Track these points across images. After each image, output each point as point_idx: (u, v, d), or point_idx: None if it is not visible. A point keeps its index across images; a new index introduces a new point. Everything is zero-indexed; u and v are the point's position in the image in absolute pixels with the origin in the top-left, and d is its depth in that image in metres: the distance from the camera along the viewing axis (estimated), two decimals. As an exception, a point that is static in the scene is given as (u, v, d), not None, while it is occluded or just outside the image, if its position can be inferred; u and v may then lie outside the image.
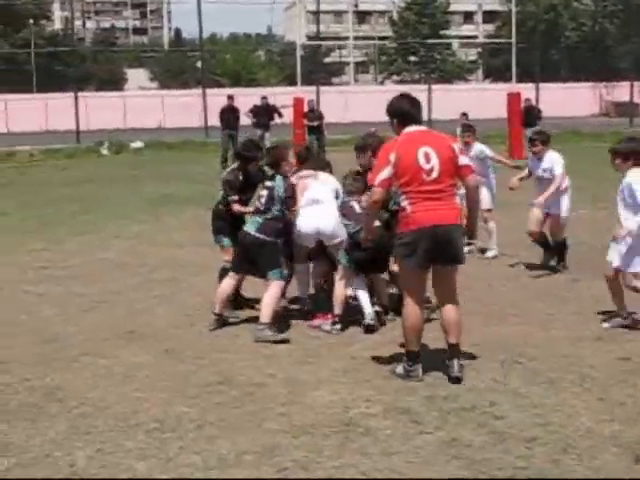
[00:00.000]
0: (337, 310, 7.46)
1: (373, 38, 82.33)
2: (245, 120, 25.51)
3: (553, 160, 9.81)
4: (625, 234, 7.07)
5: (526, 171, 10.06)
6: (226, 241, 8.13)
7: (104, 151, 30.31)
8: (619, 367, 6.17)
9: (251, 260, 7.48)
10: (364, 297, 7.50)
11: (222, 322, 7.58)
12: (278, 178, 7.60)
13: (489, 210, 10.60)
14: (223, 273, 7.99)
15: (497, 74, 68.55)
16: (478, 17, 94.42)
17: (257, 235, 7.42)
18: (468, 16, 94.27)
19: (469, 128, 11.17)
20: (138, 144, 31.53)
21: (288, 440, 5.00)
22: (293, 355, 6.69)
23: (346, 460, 4.71)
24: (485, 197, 9.96)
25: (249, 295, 8.23)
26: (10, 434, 5.20)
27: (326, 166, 8.41)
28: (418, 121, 6.12)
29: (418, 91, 46.82)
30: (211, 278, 8.88)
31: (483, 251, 10.60)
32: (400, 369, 6.06)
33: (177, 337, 7.30)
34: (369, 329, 7.34)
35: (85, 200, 16.99)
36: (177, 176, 21.07)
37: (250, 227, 7.54)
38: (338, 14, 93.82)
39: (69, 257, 11.14)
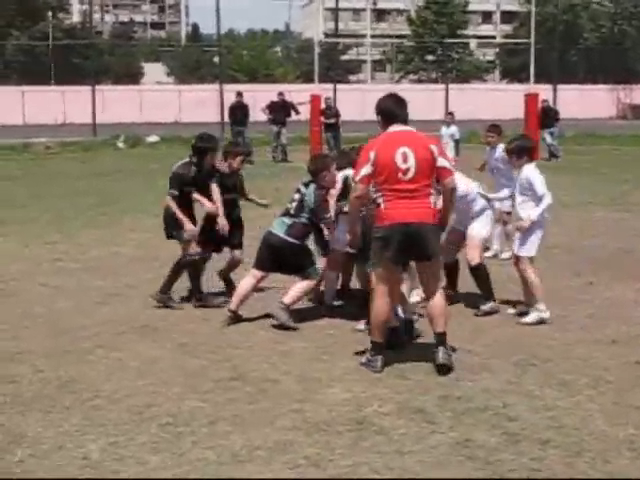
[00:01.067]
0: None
1: (391, 36, 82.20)
2: (260, 116, 25.53)
3: (503, 158, 9.36)
4: (528, 225, 7.43)
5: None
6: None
7: (120, 145, 30.41)
8: (634, 371, 6.14)
9: (277, 260, 7.54)
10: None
11: (236, 319, 7.58)
12: (311, 187, 7.55)
13: (509, 213, 10.22)
14: (186, 265, 8.17)
15: (514, 75, 68.36)
16: (496, 17, 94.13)
17: (285, 237, 7.48)
18: (486, 16, 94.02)
19: (494, 128, 10.65)
20: (154, 138, 31.61)
21: (301, 437, 5.00)
22: (307, 352, 6.68)
23: (359, 458, 4.71)
24: (507, 200, 9.64)
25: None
26: (24, 425, 5.22)
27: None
28: (403, 121, 6.29)
29: (435, 90, 46.96)
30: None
31: (495, 255, 10.47)
32: (364, 359, 6.31)
33: (191, 332, 7.31)
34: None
35: (101, 193, 17.04)
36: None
37: (278, 228, 7.55)
38: (356, 12, 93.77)
39: (84, 250, 11.18)
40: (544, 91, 30.16)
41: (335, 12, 45.34)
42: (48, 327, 7.46)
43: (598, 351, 6.64)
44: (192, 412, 5.40)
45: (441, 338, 6.24)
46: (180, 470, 4.58)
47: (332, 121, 25.06)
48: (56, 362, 6.44)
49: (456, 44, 68.25)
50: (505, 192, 8.73)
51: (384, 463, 4.64)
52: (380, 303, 6.23)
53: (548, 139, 25.35)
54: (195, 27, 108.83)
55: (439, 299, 6.28)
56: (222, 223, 8.18)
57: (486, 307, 7.83)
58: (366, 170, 6.11)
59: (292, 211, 7.56)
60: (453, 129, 19.35)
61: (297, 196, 7.61)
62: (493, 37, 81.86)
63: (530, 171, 7.57)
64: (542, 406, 5.45)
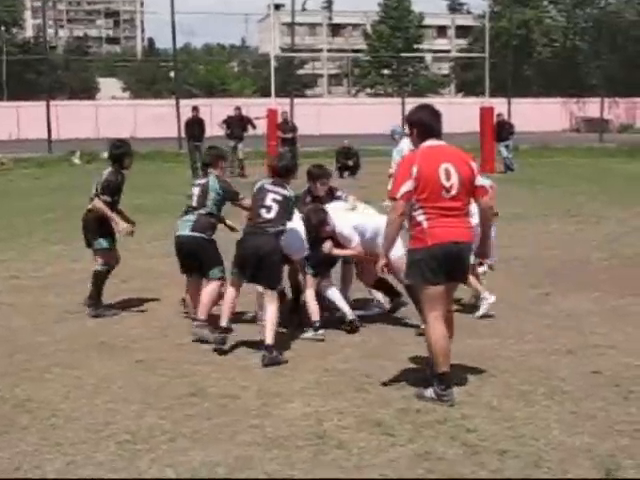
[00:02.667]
0: (314, 317, 7.58)
1: (347, 51, 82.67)
2: (217, 131, 25.48)
3: None
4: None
5: None
6: (106, 243, 8.54)
7: (76, 160, 30.13)
8: (590, 380, 6.22)
9: (193, 260, 7.70)
10: (338, 298, 7.84)
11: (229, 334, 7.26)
12: (210, 176, 7.79)
13: None
14: (101, 276, 8.49)
15: (469, 88, 69.01)
16: (451, 32, 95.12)
17: (191, 234, 7.62)
18: (441, 30, 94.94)
19: None
20: (110, 154, 31.31)
21: (261, 452, 4.98)
22: (266, 367, 6.66)
23: (319, 473, 4.70)
24: None
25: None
26: (-21, 446, 5.14)
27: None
28: (438, 134, 6.01)
29: (392, 104, 47.18)
30: (184, 289, 8.83)
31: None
32: (430, 392, 5.79)
33: (149, 348, 7.25)
34: (353, 327, 7.66)
35: (56, 209, 16.85)
36: (149, 186, 20.96)
37: (183, 229, 7.71)
38: (312, 26, 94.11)
39: (40, 267, 11.05)
40: (499, 104, 30.52)
41: (291, 27, 45.47)
42: (4, 346, 7.35)
43: (555, 361, 6.71)
44: (151, 429, 5.36)
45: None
46: (139, 488, 4.54)
47: (289, 135, 25.08)
48: (12, 381, 6.34)
49: (412, 58, 68.89)
50: None
51: (345, 477, 4.64)
52: (435, 329, 5.77)
53: (503, 152, 25.65)
54: (151, 42, 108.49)
55: (448, 328, 5.91)
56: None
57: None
58: (408, 186, 5.73)
59: (194, 204, 7.69)
60: (403, 144, 19.47)
61: (196, 190, 7.77)
62: (448, 51, 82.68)
63: None
64: (500, 417, 5.50)
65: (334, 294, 7.89)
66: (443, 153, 5.90)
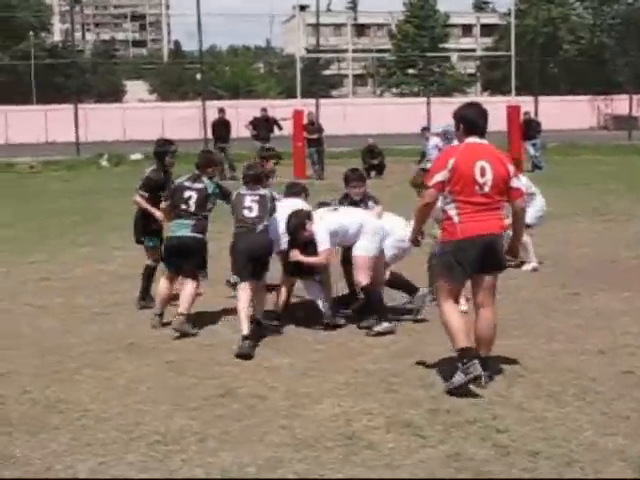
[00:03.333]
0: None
1: (372, 51, 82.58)
2: (243, 132, 25.55)
3: None
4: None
5: None
6: (151, 242, 8.84)
7: (104, 163, 30.34)
8: (622, 381, 6.16)
9: (183, 258, 7.96)
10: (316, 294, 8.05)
11: (161, 321, 8.03)
12: (204, 179, 8.12)
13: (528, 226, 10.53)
14: (148, 270, 8.81)
15: (495, 87, 68.75)
16: (476, 30, 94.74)
17: (193, 235, 7.94)
18: (466, 29, 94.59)
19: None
20: (137, 156, 31.53)
21: (290, 453, 4.98)
22: (295, 368, 6.67)
23: (349, 474, 4.69)
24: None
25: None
26: (11, 446, 5.17)
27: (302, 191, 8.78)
28: (482, 132, 6.17)
29: (417, 104, 47.07)
30: (212, 290, 8.88)
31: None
32: (457, 377, 5.86)
33: (178, 349, 7.28)
34: (329, 327, 7.83)
35: (85, 212, 16.99)
36: (177, 188, 21.04)
37: (181, 231, 7.97)
38: (337, 27, 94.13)
39: (69, 269, 11.13)
40: (525, 103, 30.35)
41: (316, 27, 45.49)
42: (35, 347, 7.41)
43: (586, 361, 6.66)
44: (181, 430, 5.38)
45: (484, 363, 6.00)
46: (170, 489, 4.55)
47: (315, 136, 25.08)
48: (43, 382, 6.39)
49: (437, 58, 68.74)
50: None
51: (374, 478, 4.62)
52: (451, 313, 6.03)
53: (531, 151, 25.51)
54: (177, 44, 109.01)
55: (490, 320, 6.13)
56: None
57: (380, 328, 7.61)
58: (441, 176, 5.96)
59: (192, 209, 7.96)
60: (436, 140, 19.43)
61: (192, 194, 7.99)
62: (474, 50, 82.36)
63: None
64: (531, 417, 5.46)
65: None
66: (482, 150, 6.06)
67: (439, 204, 6.27)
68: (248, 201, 7.68)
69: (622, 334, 7.43)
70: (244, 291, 7.54)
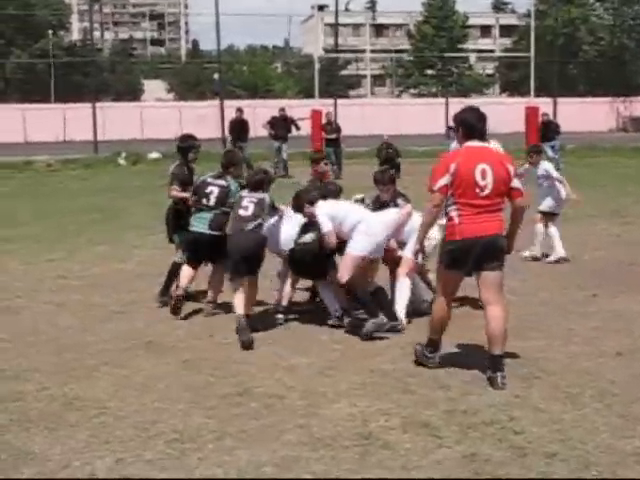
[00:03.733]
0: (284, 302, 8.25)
1: (390, 51, 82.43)
2: (261, 132, 25.60)
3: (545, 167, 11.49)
4: None
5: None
6: (178, 238, 8.94)
7: (121, 161, 30.47)
8: (640, 383, 6.14)
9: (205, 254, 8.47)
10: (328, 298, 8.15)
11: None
12: (229, 178, 8.52)
13: (554, 214, 11.39)
14: (175, 267, 8.81)
15: (514, 88, 68.53)
16: (495, 31, 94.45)
17: (208, 232, 8.30)
18: (485, 30, 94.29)
19: (535, 148, 12.00)
20: (155, 155, 31.65)
21: (307, 452, 4.99)
22: (312, 367, 6.68)
23: (365, 473, 4.70)
24: (548, 202, 11.38)
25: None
26: (30, 443, 5.22)
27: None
28: (482, 135, 6.36)
29: (435, 104, 46.96)
30: (230, 290, 8.88)
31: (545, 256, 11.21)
32: (419, 348, 6.63)
33: (195, 348, 7.31)
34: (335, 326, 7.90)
35: (103, 210, 17.07)
36: (194, 187, 21.10)
37: (200, 225, 8.39)
38: (356, 27, 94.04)
39: (87, 267, 11.19)
40: (544, 104, 30.26)
41: (335, 27, 45.47)
42: (53, 344, 7.46)
43: (603, 364, 6.63)
44: (198, 428, 5.40)
45: (498, 361, 6.18)
46: (187, 487, 4.57)
47: (333, 136, 25.10)
48: (61, 379, 6.44)
49: (456, 58, 68.50)
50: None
51: (391, 478, 4.63)
52: (440, 306, 6.45)
53: (549, 152, 25.39)
54: (195, 43, 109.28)
55: (500, 316, 6.23)
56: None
57: (368, 328, 7.55)
58: (445, 180, 6.18)
59: (212, 203, 8.36)
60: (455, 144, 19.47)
61: (213, 189, 8.42)
62: (492, 51, 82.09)
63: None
64: (548, 419, 5.45)
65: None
66: (482, 153, 6.27)
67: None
68: (246, 202, 7.97)
69: (640, 337, 7.41)
70: (239, 290, 7.81)
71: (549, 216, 11.35)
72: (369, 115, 48.38)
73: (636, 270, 10.51)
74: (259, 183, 8.14)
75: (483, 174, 6.13)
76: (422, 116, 46.02)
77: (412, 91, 74.35)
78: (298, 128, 25.64)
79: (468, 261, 6.19)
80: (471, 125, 6.36)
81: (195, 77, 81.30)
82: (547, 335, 7.51)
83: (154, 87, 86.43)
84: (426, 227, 6.54)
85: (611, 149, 32.85)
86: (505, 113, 40.09)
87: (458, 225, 6.18)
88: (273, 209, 8.13)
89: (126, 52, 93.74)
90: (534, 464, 4.77)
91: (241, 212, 7.93)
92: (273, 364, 6.79)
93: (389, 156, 23.95)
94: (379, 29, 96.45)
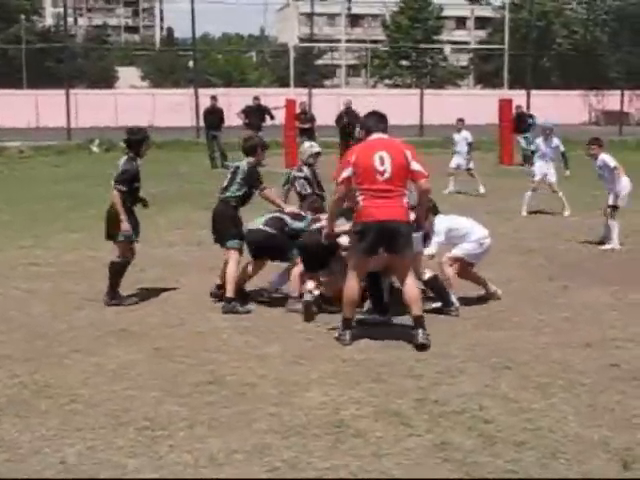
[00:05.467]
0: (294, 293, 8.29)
1: (365, 41, 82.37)
2: (235, 121, 25.50)
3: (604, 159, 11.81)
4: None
5: None
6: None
7: (95, 149, 30.24)
8: (608, 373, 6.21)
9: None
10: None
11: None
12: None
13: (615, 207, 11.68)
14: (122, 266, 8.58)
15: (488, 80, 68.71)
16: (470, 23, 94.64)
17: (264, 229, 8.32)
18: (460, 22, 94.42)
19: (595, 141, 12.16)
20: (129, 142, 31.41)
21: (279, 440, 5.01)
22: (284, 356, 6.69)
23: (336, 461, 4.72)
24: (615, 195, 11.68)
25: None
26: (0, 430, 5.19)
27: None
28: (383, 131, 7.08)
29: (410, 95, 46.95)
30: (202, 277, 8.90)
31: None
32: (335, 333, 7.08)
33: (168, 336, 7.30)
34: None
35: (76, 197, 16.96)
36: (167, 175, 21.03)
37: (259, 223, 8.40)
38: (331, 17, 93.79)
39: (59, 254, 11.12)
40: (518, 97, 30.35)
41: (310, 17, 45.40)
42: (24, 332, 7.42)
43: (573, 354, 6.70)
44: (169, 416, 5.40)
45: (419, 320, 6.89)
46: (158, 475, 4.57)
47: (307, 126, 25.04)
48: (32, 367, 6.40)
49: (431, 49, 68.58)
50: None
51: (361, 466, 4.66)
52: (351, 285, 6.95)
53: (522, 143, 25.53)
54: (170, 31, 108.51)
55: (412, 286, 6.93)
56: None
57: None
58: (347, 172, 6.86)
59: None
60: (465, 134, 19.50)
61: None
62: (467, 43, 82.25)
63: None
64: (518, 409, 5.50)
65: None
66: (380, 143, 6.93)
67: (414, 192, 7.00)
68: (229, 174, 8.43)
69: (609, 327, 7.49)
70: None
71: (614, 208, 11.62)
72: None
73: (607, 262, 10.62)
74: (253, 148, 8.42)
75: (381, 160, 6.75)
76: (396, 107, 46.01)
77: (387, 82, 74.37)
78: (272, 117, 25.56)
79: (370, 242, 6.77)
80: (369, 127, 7.14)
81: (170, 65, 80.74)
82: (517, 325, 7.57)
83: (128, 74, 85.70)
84: (330, 217, 7.35)
85: (583, 142, 32.90)
86: (479, 105, 40.26)
87: (363, 208, 6.79)
88: (252, 179, 8.24)
89: (100, 38, 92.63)
90: (503, 452, 4.82)
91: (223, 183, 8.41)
92: (245, 353, 6.80)
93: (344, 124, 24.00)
94: (354, 19, 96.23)
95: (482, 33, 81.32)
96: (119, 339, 7.19)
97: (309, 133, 24.98)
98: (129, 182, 8.44)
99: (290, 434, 5.10)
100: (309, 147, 10.22)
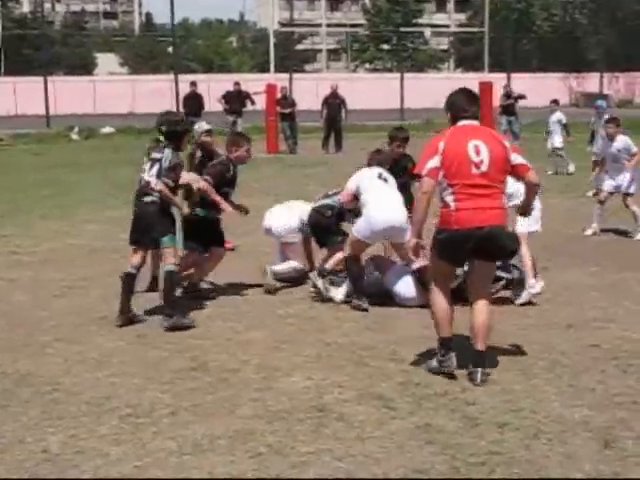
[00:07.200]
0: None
1: (345, 25, 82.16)
2: (216, 106, 25.41)
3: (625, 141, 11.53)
4: None
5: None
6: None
7: (74, 136, 30.05)
8: (589, 354, 6.25)
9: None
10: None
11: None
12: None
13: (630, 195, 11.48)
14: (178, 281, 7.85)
15: (468, 63, 68.69)
16: (450, 6, 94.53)
17: None
18: (440, 5, 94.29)
19: (613, 120, 11.81)
20: (108, 129, 31.29)
21: (262, 425, 5.01)
22: (267, 341, 6.69)
23: (320, 445, 4.73)
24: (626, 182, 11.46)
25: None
26: (-18, 419, 5.17)
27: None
28: (473, 117, 5.87)
29: (391, 79, 46.90)
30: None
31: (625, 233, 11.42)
32: (434, 363, 5.80)
33: (150, 323, 7.28)
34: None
35: (56, 185, 16.86)
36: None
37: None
38: (311, 1, 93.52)
39: (40, 242, 11.05)
40: (498, 79, 30.40)
41: (290, 1, 45.21)
42: (5, 320, 7.38)
43: (554, 335, 6.74)
44: (153, 403, 5.39)
45: (481, 357, 5.75)
46: (141, 462, 4.57)
47: (288, 111, 24.98)
48: (14, 356, 6.37)
49: (411, 33, 68.44)
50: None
51: (345, 449, 4.67)
52: (438, 299, 5.81)
53: (504, 124, 25.57)
54: (149, 17, 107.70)
55: (485, 310, 5.81)
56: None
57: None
58: (434, 162, 5.62)
59: None
60: (559, 115, 19.63)
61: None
62: (447, 26, 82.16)
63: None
64: (500, 390, 5.53)
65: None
66: (473, 131, 5.77)
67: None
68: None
69: (590, 308, 7.54)
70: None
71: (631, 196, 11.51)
72: (324, 90, 48.10)
73: (587, 243, 10.68)
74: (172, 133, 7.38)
75: (476, 150, 5.59)
76: (377, 91, 45.95)
77: (367, 66, 74.26)
78: (253, 102, 25.48)
79: (461, 252, 5.71)
80: (459, 107, 5.88)
81: (149, 51, 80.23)
82: (498, 307, 7.58)
83: (107, 60, 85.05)
84: (420, 218, 5.78)
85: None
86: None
87: (455, 212, 5.59)
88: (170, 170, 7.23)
89: (78, 25, 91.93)
90: (486, 433, 4.85)
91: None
92: (228, 339, 6.79)
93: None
94: (334, 3, 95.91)
95: (462, 16, 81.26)
96: (101, 327, 7.16)
97: (290, 118, 24.95)
98: (175, 178, 7.39)
99: (274, 419, 5.10)
100: (198, 127, 9.71)
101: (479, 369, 5.68)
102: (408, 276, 7.79)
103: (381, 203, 7.65)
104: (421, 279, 7.54)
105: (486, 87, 26.41)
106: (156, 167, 7.26)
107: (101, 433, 4.94)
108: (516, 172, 5.85)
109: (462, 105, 5.87)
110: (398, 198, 7.83)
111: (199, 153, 9.45)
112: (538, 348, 6.40)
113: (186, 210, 7.87)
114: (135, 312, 7.33)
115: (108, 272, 8.81)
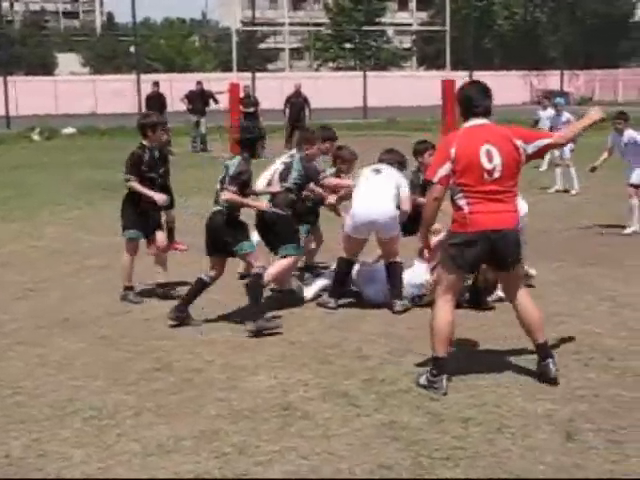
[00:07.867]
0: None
1: (308, 24, 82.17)
2: (179, 106, 25.31)
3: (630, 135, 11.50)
4: None
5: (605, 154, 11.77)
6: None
7: (35, 137, 29.76)
8: (552, 348, 6.29)
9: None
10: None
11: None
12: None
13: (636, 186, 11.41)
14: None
15: (431, 62, 69.12)
16: (412, 5, 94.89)
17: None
18: (402, 3, 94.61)
19: (622, 115, 11.72)
20: (70, 130, 31.01)
21: (227, 425, 5.00)
22: (231, 341, 6.68)
23: (285, 443, 4.73)
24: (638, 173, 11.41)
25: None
26: (-58, 424, 5.10)
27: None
28: (486, 112, 5.66)
29: (353, 78, 46.98)
30: (146, 264, 8.79)
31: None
32: (423, 379, 5.57)
33: (113, 324, 7.23)
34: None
35: (16, 186, 16.66)
36: (110, 162, 20.67)
37: None
38: (273, 0, 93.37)
39: (1, 244, 10.92)
40: (460, 78, 30.58)
41: (252, 0, 45.08)
42: (-36, 324, 7.28)
43: (517, 330, 6.77)
44: (116, 404, 5.35)
45: (544, 348, 5.73)
46: (105, 464, 4.53)
47: (251, 110, 24.94)
48: (-26, 359, 6.30)
49: (373, 32, 68.64)
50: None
51: (310, 447, 4.68)
52: (441, 314, 5.58)
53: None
54: (110, 16, 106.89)
55: (531, 306, 5.75)
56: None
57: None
58: (445, 169, 5.47)
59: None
60: (550, 112, 19.66)
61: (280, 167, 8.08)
62: (410, 25, 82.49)
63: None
64: (464, 385, 5.56)
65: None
66: (484, 133, 5.56)
67: None
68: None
69: (552, 303, 7.60)
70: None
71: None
72: (288, 88, 48.10)
73: (550, 239, 10.78)
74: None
75: (489, 156, 5.42)
76: (341, 89, 46.05)
77: (330, 65, 74.37)
78: (216, 102, 25.42)
79: (474, 256, 5.53)
80: (471, 101, 5.65)
81: (111, 50, 79.68)
82: (462, 303, 7.63)
83: (68, 60, 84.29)
84: (429, 222, 5.78)
85: (526, 122, 33.36)
86: (422, 87, 40.47)
87: (469, 215, 5.46)
88: None
89: (38, 24, 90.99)
90: (450, 429, 4.88)
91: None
92: (192, 339, 6.76)
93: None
94: (297, 2, 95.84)
95: (424, 15, 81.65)
96: (63, 329, 7.10)
97: (253, 117, 24.88)
98: (242, 185, 7.15)
99: (238, 418, 5.09)
100: None
101: (549, 359, 5.64)
102: (377, 273, 7.82)
103: (364, 197, 7.65)
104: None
105: (449, 85, 26.49)
106: (225, 176, 7.20)
107: (64, 436, 4.89)
108: (541, 153, 5.88)
109: (473, 99, 5.66)
110: (386, 193, 7.64)
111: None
112: (501, 343, 6.45)
113: (264, 205, 7.56)
114: (191, 315, 7.22)
115: (69, 274, 8.74)
